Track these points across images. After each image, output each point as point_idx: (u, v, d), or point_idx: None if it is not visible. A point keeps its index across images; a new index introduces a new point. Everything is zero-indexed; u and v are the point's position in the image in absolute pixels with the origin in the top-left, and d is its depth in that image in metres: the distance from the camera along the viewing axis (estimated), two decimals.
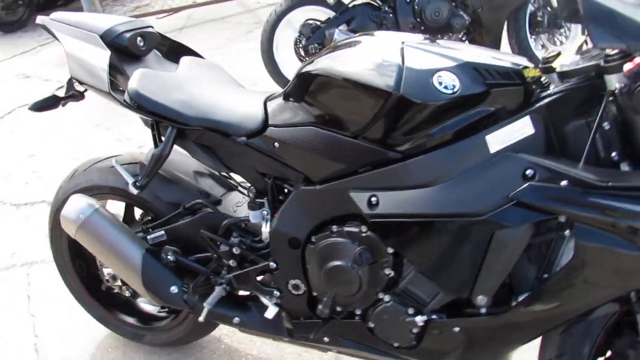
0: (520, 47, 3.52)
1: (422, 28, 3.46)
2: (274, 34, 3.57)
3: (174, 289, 1.47)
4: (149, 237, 1.54)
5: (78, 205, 1.47)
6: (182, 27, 6.01)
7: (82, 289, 1.84)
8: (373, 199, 1.15)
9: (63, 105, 1.56)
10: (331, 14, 3.51)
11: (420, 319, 1.21)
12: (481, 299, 1.13)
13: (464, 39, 3.56)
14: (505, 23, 3.50)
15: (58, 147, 3.51)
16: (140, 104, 1.34)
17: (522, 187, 1.02)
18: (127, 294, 1.77)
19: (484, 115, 1.09)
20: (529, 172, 1.04)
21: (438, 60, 1.10)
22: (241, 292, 1.55)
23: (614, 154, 1.03)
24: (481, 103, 1.08)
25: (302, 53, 3.57)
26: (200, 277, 1.50)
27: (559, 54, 1.12)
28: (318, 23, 3.52)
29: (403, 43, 1.16)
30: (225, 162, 1.41)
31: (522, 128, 1.08)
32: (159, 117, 1.35)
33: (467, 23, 3.43)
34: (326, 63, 1.21)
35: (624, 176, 1.01)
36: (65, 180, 1.69)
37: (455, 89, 1.05)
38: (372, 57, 1.14)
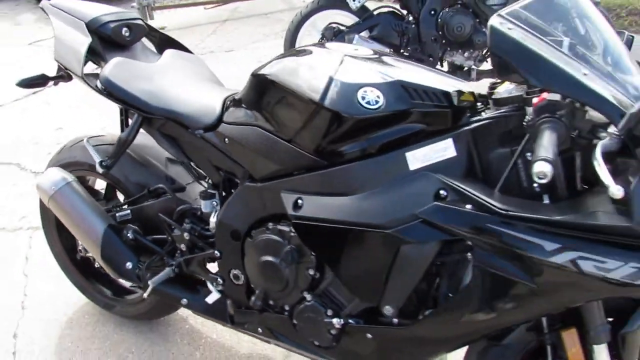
0: None
1: (444, 42, 3.45)
2: (298, 34, 3.66)
3: (129, 265, 1.58)
4: (117, 214, 1.65)
5: (53, 177, 1.60)
6: (226, 19, 6.20)
7: (64, 256, 1.98)
8: (299, 201, 1.20)
9: (55, 84, 1.70)
10: (355, 19, 3.56)
11: (337, 322, 1.25)
12: (388, 309, 1.16)
13: (486, 56, 3.51)
14: None
15: (87, 122, 3.72)
16: (109, 91, 1.45)
17: (428, 206, 1.04)
18: (97, 264, 1.90)
19: (407, 133, 1.12)
20: (442, 192, 1.06)
21: (369, 76, 1.14)
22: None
23: (535, 185, 1.05)
24: (404, 121, 1.11)
25: None
26: (155, 257, 1.60)
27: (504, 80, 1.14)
28: (341, 27, 3.57)
29: (345, 55, 1.20)
30: (186, 152, 1.50)
31: (443, 150, 1.10)
32: (126, 105, 1.46)
33: None
34: (274, 67, 1.26)
35: (532, 207, 1.01)
36: (55, 154, 1.83)
37: (378, 105, 1.09)
38: (313, 66, 1.19)
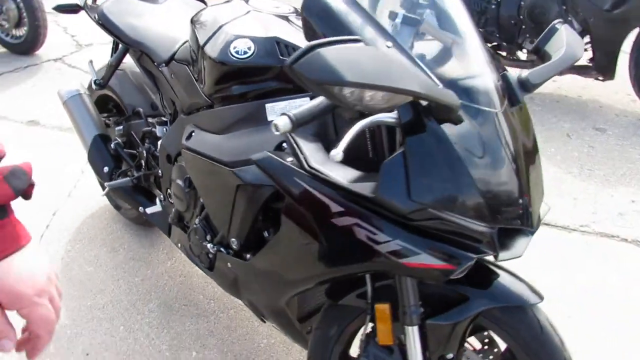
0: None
1: (523, 27, 3.22)
2: None
3: (106, 169, 1.90)
4: (116, 128, 1.98)
5: (69, 88, 1.97)
6: None
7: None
8: (192, 133, 1.38)
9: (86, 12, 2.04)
10: None
11: (211, 247, 1.42)
12: (233, 241, 1.30)
13: None
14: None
15: None
16: (103, 23, 1.74)
17: (261, 153, 1.15)
18: None
19: (272, 87, 1.22)
20: (284, 145, 1.16)
21: (252, 29, 1.24)
22: None
23: (370, 154, 1.10)
24: (270, 75, 1.21)
25: None
26: (127, 168, 1.90)
27: None
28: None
29: (254, 10, 1.32)
30: (155, 83, 1.74)
31: (299, 106, 1.18)
32: (111, 34, 1.73)
33: (576, 33, 3.08)
34: (198, 14, 1.42)
35: (339, 171, 1.05)
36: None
37: (246, 56, 1.20)
38: (219, 16, 1.33)
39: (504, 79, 1.05)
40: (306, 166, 1.05)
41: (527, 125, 1.07)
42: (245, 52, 1.20)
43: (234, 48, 1.21)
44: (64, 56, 4.46)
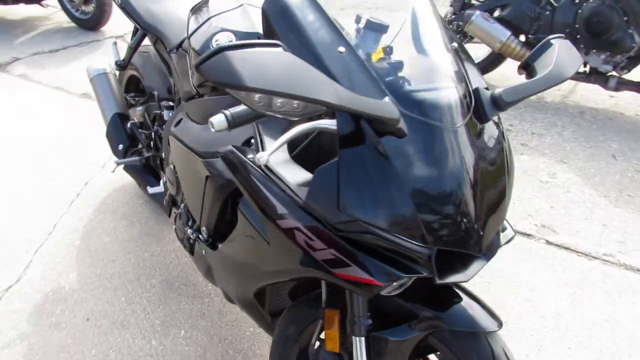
0: None
1: (578, 36, 3.02)
2: None
3: (120, 147, 2.00)
4: (137, 109, 2.07)
5: (95, 66, 2.08)
6: None
7: None
8: (181, 121, 1.42)
9: None
10: None
11: (191, 233, 1.46)
12: (204, 230, 1.33)
13: (623, 62, 2.96)
14: None
15: None
16: (124, 6, 1.81)
17: (227, 147, 1.16)
18: None
19: None
20: (252, 140, 1.17)
21: (238, 23, 1.25)
22: None
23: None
24: None
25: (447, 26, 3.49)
26: (140, 147, 1.98)
27: None
28: (473, 1, 3.37)
29: (247, 3, 1.33)
30: (168, 67, 1.80)
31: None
32: (131, 19, 1.80)
33: (636, 47, 2.85)
34: (202, 2, 1.45)
35: (291, 173, 1.04)
36: None
37: None
38: (212, 9, 1.35)
39: (476, 94, 1.00)
40: (261, 166, 1.06)
41: (495, 145, 1.01)
42: None
43: (216, 41, 1.23)
44: (125, 34, 4.69)
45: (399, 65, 0.99)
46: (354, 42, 1.00)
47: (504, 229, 1.10)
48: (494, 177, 0.98)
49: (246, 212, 1.10)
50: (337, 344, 1.13)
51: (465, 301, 1.13)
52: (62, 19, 5.13)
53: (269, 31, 1.00)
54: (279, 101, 0.73)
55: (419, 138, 0.89)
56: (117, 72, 2.19)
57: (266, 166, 1.05)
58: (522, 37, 3.23)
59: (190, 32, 1.31)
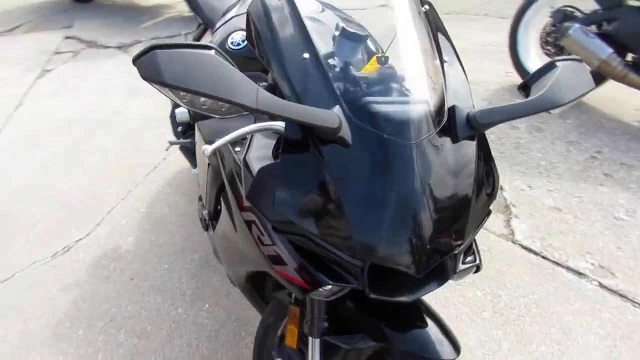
0: None
1: None
2: (528, 9, 3.33)
3: (180, 128, 2.19)
4: None
5: None
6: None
7: None
8: None
9: None
10: (596, 7, 3.02)
11: (205, 214, 1.56)
12: (206, 213, 1.42)
13: None
14: None
15: None
16: (190, 1, 1.96)
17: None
18: None
19: (260, 80, 1.28)
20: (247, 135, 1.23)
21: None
22: None
23: None
24: (259, 65, 1.27)
25: (544, 38, 3.25)
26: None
27: None
28: (575, 12, 3.10)
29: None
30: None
31: None
32: (194, 12, 1.95)
33: None
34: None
35: None
36: None
37: (239, 48, 1.29)
38: (241, 7, 1.43)
39: (451, 112, 0.96)
40: (241, 156, 1.11)
41: (465, 166, 0.96)
42: (238, 44, 1.29)
43: (231, 39, 1.31)
44: None
45: (367, 76, 0.99)
46: (329, 50, 1.02)
47: (467, 256, 1.04)
48: (454, 199, 0.94)
49: (225, 200, 1.17)
50: (294, 340, 1.16)
51: (426, 324, 1.09)
52: (184, 9, 5.63)
53: (252, 33, 1.05)
54: (201, 99, 0.78)
55: (365, 150, 0.88)
56: None
57: (245, 161, 1.11)
58: (629, 57, 2.90)
59: (215, 28, 1.40)
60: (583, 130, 3.00)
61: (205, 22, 1.91)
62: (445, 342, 1.06)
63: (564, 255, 2.12)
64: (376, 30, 1.09)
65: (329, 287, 0.93)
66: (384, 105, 0.92)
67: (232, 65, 0.79)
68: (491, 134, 2.99)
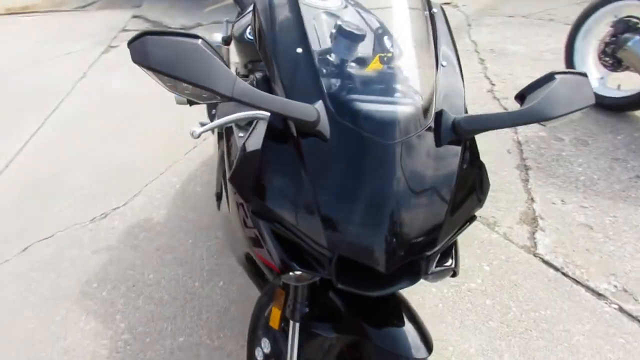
0: None
1: None
2: (589, 17, 3.18)
3: (214, 111, 2.27)
4: None
5: (212, 39, 2.37)
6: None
7: None
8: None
9: None
10: None
11: (215, 193, 1.64)
12: (216, 193, 1.49)
13: None
14: None
15: None
16: None
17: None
18: None
19: None
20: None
21: None
22: None
23: None
24: None
25: (602, 49, 3.09)
26: None
27: None
28: (639, 24, 2.92)
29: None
30: None
31: None
32: (235, 1, 2.02)
33: None
34: None
35: None
36: None
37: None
38: None
39: (438, 116, 0.97)
40: (242, 142, 1.17)
41: (446, 170, 0.97)
42: None
43: (249, 31, 1.36)
44: None
45: (357, 74, 1.01)
46: (325, 47, 1.05)
47: (445, 258, 1.05)
48: (431, 202, 0.95)
49: (225, 182, 1.23)
50: (277, 322, 1.21)
51: (403, 322, 1.11)
52: None
53: (255, 26, 1.10)
54: (183, 85, 0.84)
55: (343, 145, 0.91)
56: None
57: (244, 146, 1.16)
58: None
59: (237, 19, 1.46)
60: (633, 148, 2.85)
61: (241, 7, 1.99)
62: (419, 340, 1.08)
63: (585, 274, 2.04)
64: (377, 30, 1.10)
65: (299, 273, 0.97)
66: (368, 104, 0.94)
67: (218, 55, 0.84)
68: (531, 144, 2.90)
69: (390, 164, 0.90)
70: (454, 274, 1.07)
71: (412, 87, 0.99)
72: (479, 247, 2.19)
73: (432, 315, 1.89)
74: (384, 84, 1.00)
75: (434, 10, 1.15)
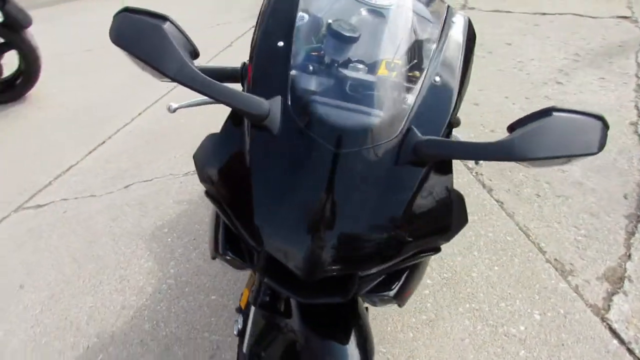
0: None
1: None
2: None
3: None
4: None
5: None
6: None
7: None
8: None
9: None
10: None
11: None
12: None
13: None
14: None
15: None
16: None
17: None
18: None
19: None
20: None
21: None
22: None
23: None
24: None
25: None
26: None
27: None
28: None
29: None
30: None
31: None
32: None
33: None
34: None
35: None
36: None
37: None
38: None
39: (405, 133, 0.91)
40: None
41: (398, 192, 0.90)
42: None
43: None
44: None
45: (331, 76, 0.98)
46: (311, 45, 1.03)
47: (390, 285, 0.99)
48: (372, 221, 0.90)
49: None
50: (244, 303, 1.26)
51: (347, 336, 1.09)
52: None
53: (261, 9, 1.12)
54: (139, 61, 0.90)
55: (290, 144, 0.90)
56: None
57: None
58: None
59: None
60: None
61: None
62: (352, 349, 1.04)
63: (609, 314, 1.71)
64: (376, 34, 1.05)
65: (229, 258, 1.00)
66: (328, 108, 0.92)
67: (183, 40, 0.89)
68: None
69: (331, 172, 0.88)
70: (399, 305, 1.01)
71: (386, 100, 0.93)
72: (539, 292, 1.95)
73: (453, 347, 1.76)
74: (357, 92, 0.96)
75: (453, 20, 1.06)
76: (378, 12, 1.08)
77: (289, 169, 0.89)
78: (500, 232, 2.25)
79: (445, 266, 2.09)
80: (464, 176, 2.64)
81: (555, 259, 2.08)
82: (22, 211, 2.64)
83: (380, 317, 1.88)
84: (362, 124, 0.90)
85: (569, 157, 0.83)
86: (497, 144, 0.83)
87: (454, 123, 1.02)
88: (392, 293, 0.99)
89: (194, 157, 1.05)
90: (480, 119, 3.12)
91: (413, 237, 0.93)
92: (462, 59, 1.01)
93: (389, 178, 0.89)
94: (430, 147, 0.87)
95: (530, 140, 0.82)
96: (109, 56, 4.59)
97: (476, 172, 2.67)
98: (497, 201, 2.44)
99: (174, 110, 1.04)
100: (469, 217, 2.34)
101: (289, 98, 0.93)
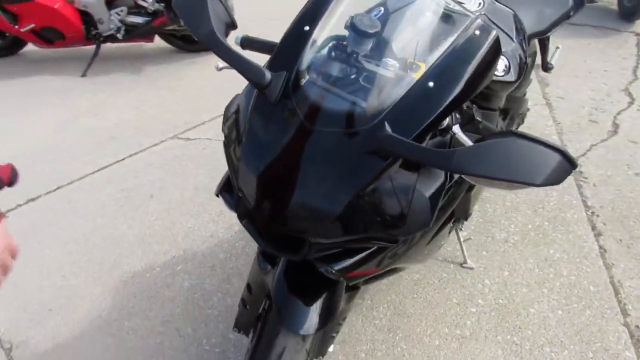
0: None
1: None
2: None
3: None
4: None
5: None
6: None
7: None
8: None
9: None
10: None
11: None
12: None
13: None
14: None
15: None
16: None
17: None
18: None
19: None
20: None
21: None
22: None
23: None
24: None
25: None
26: None
27: None
28: None
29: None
30: None
31: None
32: None
33: None
34: None
35: None
36: None
37: None
38: None
39: (380, 124, 0.99)
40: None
41: (354, 176, 0.98)
42: None
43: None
44: None
45: (343, 64, 1.07)
46: (335, 32, 1.13)
47: (340, 259, 1.09)
48: (328, 192, 0.98)
49: None
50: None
51: (311, 294, 1.22)
52: None
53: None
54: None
55: (281, 114, 1.03)
56: None
57: None
58: None
59: None
60: None
61: None
62: (310, 318, 1.18)
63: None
64: (394, 33, 1.12)
65: (229, 205, 1.20)
66: (319, 90, 1.05)
67: (220, 8, 1.10)
68: None
69: (303, 146, 1.00)
70: (341, 279, 1.12)
71: (375, 93, 1.02)
72: (597, 352, 1.76)
73: None
74: (352, 82, 1.05)
75: (476, 32, 1.07)
76: (401, 11, 1.14)
77: (272, 134, 1.04)
78: (585, 279, 2.05)
79: (505, 293, 2.00)
80: (575, 211, 2.41)
81: (637, 326, 1.84)
82: (175, 140, 3.20)
83: (414, 317, 1.91)
84: (341, 110, 1.01)
85: (508, 182, 0.83)
86: (441, 152, 0.88)
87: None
88: (336, 266, 1.09)
89: (224, 110, 1.27)
90: None
91: (360, 220, 1.01)
92: (472, 71, 1.03)
93: (352, 162, 0.98)
94: (389, 143, 0.94)
95: (473, 156, 0.85)
96: None
97: (592, 212, 2.41)
98: (601, 247, 2.20)
99: (221, 69, 1.27)
100: (559, 254, 2.16)
101: (293, 74, 1.06)
